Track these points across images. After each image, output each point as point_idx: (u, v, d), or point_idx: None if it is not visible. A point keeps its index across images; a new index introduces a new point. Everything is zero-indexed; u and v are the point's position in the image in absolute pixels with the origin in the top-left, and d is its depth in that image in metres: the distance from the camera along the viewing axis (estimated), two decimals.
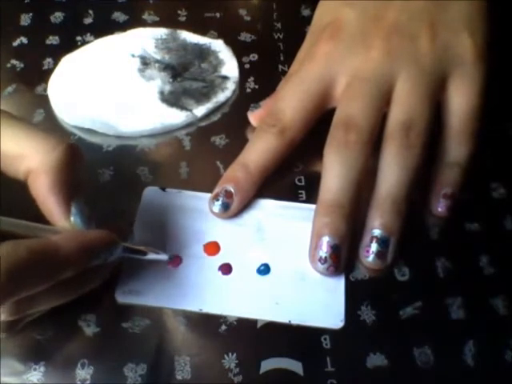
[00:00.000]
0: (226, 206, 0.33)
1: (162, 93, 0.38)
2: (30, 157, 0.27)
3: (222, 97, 0.38)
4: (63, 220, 0.27)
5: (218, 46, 0.41)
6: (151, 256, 0.30)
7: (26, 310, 0.26)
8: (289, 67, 0.37)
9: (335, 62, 0.33)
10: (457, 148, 0.33)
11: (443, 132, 0.33)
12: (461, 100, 0.33)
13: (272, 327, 0.30)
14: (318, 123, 0.34)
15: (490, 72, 0.33)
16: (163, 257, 0.31)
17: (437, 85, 0.33)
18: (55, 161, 0.27)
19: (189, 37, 0.41)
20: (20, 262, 0.23)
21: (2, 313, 0.25)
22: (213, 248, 0.32)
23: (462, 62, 0.33)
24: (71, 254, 0.25)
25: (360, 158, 0.31)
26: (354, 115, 0.32)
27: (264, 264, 0.31)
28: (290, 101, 0.34)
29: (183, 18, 0.43)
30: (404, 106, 0.32)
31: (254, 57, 0.41)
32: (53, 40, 0.42)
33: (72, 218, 0.27)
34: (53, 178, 0.27)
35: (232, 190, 0.33)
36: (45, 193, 0.27)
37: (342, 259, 0.31)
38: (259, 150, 0.33)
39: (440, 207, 0.33)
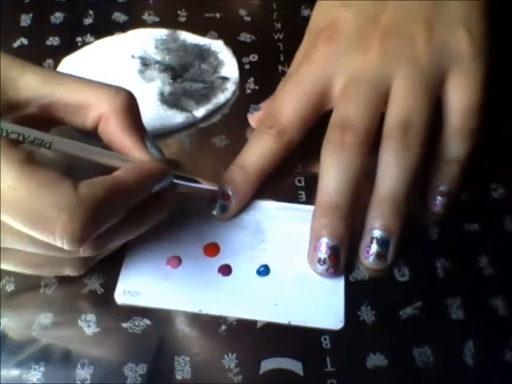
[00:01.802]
0: (223, 208, 0.33)
1: (161, 94, 0.38)
2: (98, 104, 0.29)
3: (221, 98, 0.38)
4: (143, 154, 0.29)
5: (218, 46, 0.41)
6: (202, 185, 0.31)
7: (105, 245, 0.28)
8: (289, 67, 0.37)
9: (333, 64, 0.33)
10: (456, 145, 0.33)
11: (442, 129, 0.33)
12: (460, 97, 0.33)
13: (272, 327, 0.30)
14: (319, 124, 0.34)
15: (489, 69, 0.33)
16: (214, 187, 0.31)
17: (435, 83, 0.33)
18: (121, 104, 0.29)
19: (189, 37, 0.41)
20: (98, 200, 0.25)
21: (86, 249, 0.27)
22: (212, 249, 0.32)
23: (460, 59, 0.33)
24: (136, 185, 0.27)
25: (357, 158, 0.31)
26: (350, 116, 0.32)
27: (264, 265, 0.32)
28: (287, 102, 0.34)
29: (183, 19, 0.43)
30: (401, 105, 0.32)
31: (253, 57, 0.41)
32: (53, 41, 0.42)
33: (150, 151, 0.29)
34: (125, 119, 0.29)
35: (230, 192, 0.33)
36: (120, 133, 0.29)
37: (341, 260, 0.31)
38: (257, 152, 0.33)
39: (436, 205, 0.33)
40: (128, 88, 0.30)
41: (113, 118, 0.28)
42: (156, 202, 0.30)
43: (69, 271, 0.29)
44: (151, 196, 0.29)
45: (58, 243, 0.25)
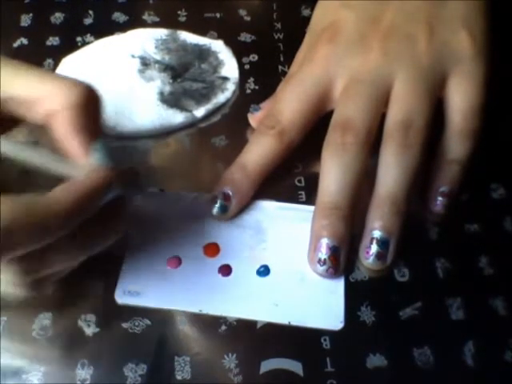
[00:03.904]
0: (224, 209, 0.33)
1: (161, 93, 0.38)
2: (48, 99, 0.26)
3: (221, 98, 0.38)
4: (86, 158, 0.27)
5: (218, 46, 0.41)
6: (149, 190, 0.30)
7: (38, 270, 0.26)
8: (289, 68, 0.37)
9: (333, 65, 0.33)
10: (457, 145, 0.33)
11: (444, 129, 0.33)
12: (461, 97, 0.33)
13: (272, 327, 0.30)
14: (319, 124, 0.34)
15: (490, 69, 0.33)
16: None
17: (436, 83, 0.33)
18: (75, 100, 0.26)
19: (189, 37, 0.41)
20: (14, 218, 0.23)
21: (14, 276, 0.25)
22: (212, 249, 0.32)
23: (461, 59, 0.33)
24: (68, 207, 0.25)
25: (357, 159, 0.31)
26: (351, 117, 0.32)
27: (264, 265, 0.32)
28: (288, 103, 0.34)
29: (183, 19, 0.43)
30: (402, 105, 0.32)
31: (253, 57, 0.41)
32: (53, 41, 0.42)
33: (95, 156, 0.27)
34: (76, 118, 0.26)
35: (230, 193, 0.33)
36: (68, 131, 0.27)
37: (341, 261, 0.31)
38: (257, 152, 0.33)
39: (436, 205, 0.33)
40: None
41: (61, 115, 0.26)
42: (106, 219, 0.28)
43: (17, 292, 0.26)
44: (98, 213, 0.27)
45: None
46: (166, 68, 0.39)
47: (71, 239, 0.26)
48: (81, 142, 0.27)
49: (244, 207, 0.33)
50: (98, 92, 0.28)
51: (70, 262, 0.27)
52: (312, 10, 0.38)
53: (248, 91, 0.39)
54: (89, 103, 0.27)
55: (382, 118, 0.32)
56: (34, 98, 0.27)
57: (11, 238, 0.23)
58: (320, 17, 0.37)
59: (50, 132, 0.27)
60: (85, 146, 0.27)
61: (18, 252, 0.24)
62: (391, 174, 0.31)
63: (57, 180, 0.26)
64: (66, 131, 0.27)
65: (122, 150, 0.36)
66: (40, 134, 0.29)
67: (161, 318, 0.30)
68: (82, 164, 0.27)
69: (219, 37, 0.42)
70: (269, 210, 0.34)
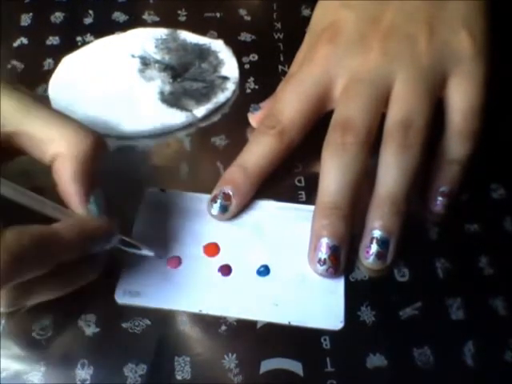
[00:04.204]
0: (224, 208, 0.33)
1: (162, 93, 0.38)
2: (59, 142, 0.27)
3: (222, 97, 0.38)
4: (81, 207, 0.28)
5: (218, 46, 0.41)
6: (144, 252, 0.30)
7: (23, 301, 0.27)
8: (289, 67, 0.37)
9: (333, 65, 0.33)
10: (457, 145, 0.33)
11: (444, 129, 0.33)
12: (461, 97, 0.33)
13: (272, 327, 0.30)
14: (319, 124, 0.34)
15: (490, 69, 0.33)
16: (152, 254, 0.31)
17: (436, 83, 0.33)
18: (84, 150, 0.27)
19: (189, 37, 0.41)
20: (23, 250, 0.24)
21: (2, 305, 0.26)
22: (212, 249, 0.32)
23: (461, 59, 0.33)
24: (72, 242, 0.26)
25: (357, 159, 0.31)
26: (351, 117, 0.32)
27: (264, 265, 0.31)
28: (288, 102, 0.34)
29: (183, 18, 0.43)
30: (402, 105, 0.32)
31: (253, 57, 0.41)
32: (53, 40, 0.42)
33: (89, 207, 0.28)
34: (79, 167, 0.27)
35: (230, 193, 0.33)
36: (68, 179, 0.28)
37: (341, 260, 0.31)
38: (258, 152, 0.33)
39: (437, 205, 0.33)
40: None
41: (69, 161, 0.27)
42: (89, 262, 0.28)
43: None
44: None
45: None
46: (166, 68, 0.39)
47: (56, 275, 0.27)
48: (80, 191, 0.28)
49: (244, 207, 0.33)
50: (106, 144, 0.29)
51: (51, 294, 0.28)
52: (312, 10, 0.38)
53: (248, 91, 0.39)
54: (94, 153, 0.28)
55: (382, 117, 0.32)
56: (45, 138, 0.28)
57: (19, 266, 0.24)
58: (320, 17, 0.37)
59: (51, 174, 0.28)
60: (83, 196, 0.28)
61: (21, 279, 0.25)
62: (391, 173, 0.31)
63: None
64: (67, 178, 0.28)
65: (122, 150, 0.36)
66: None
67: (161, 318, 0.30)
68: (77, 214, 0.28)
69: (219, 36, 0.42)
70: (269, 209, 0.34)
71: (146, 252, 0.30)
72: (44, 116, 0.28)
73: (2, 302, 0.26)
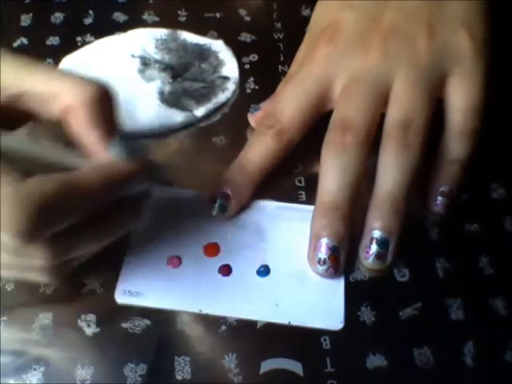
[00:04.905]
0: (223, 208, 0.33)
1: (161, 93, 0.38)
2: (67, 94, 0.27)
3: (222, 97, 0.38)
4: (101, 152, 0.27)
5: (218, 46, 0.41)
6: (176, 189, 0.30)
7: (65, 253, 0.27)
8: (289, 67, 0.37)
9: (333, 65, 0.34)
10: (457, 145, 0.33)
11: (444, 129, 0.33)
12: (461, 97, 0.33)
13: (272, 328, 0.30)
14: (319, 124, 0.34)
15: (490, 69, 0.33)
16: (188, 192, 0.30)
17: (436, 83, 0.33)
18: (91, 96, 0.27)
19: (189, 37, 0.41)
20: (46, 196, 0.24)
21: (42, 259, 0.26)
22: (212, 249, 0.32)
23: (461, 59, 0.33)
24: (97, 186, 0.26)
25: (357, 159, 0.31)
26: (350, 117, 0.32)
27: (264, 265, 0.32)
28: (288, 102, 0.34)
29: (183, 18, 0.43)
30: (402, 105, 0.32)
31: (254, 57, 0.41)
32: (53, 40, 0.42)
33: (112, 151, 0.27)
34: (92, 113, 0.27)
35: (229, 192, 0.33)
36: (85, 127, 0.27)
37: (341, 261, 0.31)
38: (257, 152, 0.33)
39: (437, 205, 0.33)
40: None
41: (79, 110, 0.27)
42: (128, 208, 0.28)
43: (38, 278, 0.28)
44: (121, 200, 0.27)
45: (4, 237, 0.24)
46: (166, 68, 0.39)
47: (93, 224, 0.27)
48: (99, 136, 0.27)
49: (244, 207, 0.33)
50: (113, 90, 0.28)
51: (92, 246, 0.28)
52: (312, 9, 0.38)
53: (248, 91, 0.39)
54: (104, 100, 0.27)
55: (382, 117, 0.32)
56: (51, 93, 0.27)
57: (47, 215, 0.24)
58: (320, 16, 0.37)
59: (65, 128, 0.28)
60: (103, 141, 0.27)
61: (54, 229, 0.25)
62: (391, 173, 0.31)
63: None
64: (83, 126, 0.27)
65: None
66: (42, 133, 0.29)
67: (161, 318, 0.30)
68: (98, 159, 0.27)
69: (219, 37, 0.42)
70: (268, 209, 0.34)
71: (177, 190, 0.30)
72: (45, 72, 0.27)
73: (42, 256, 0.26)
